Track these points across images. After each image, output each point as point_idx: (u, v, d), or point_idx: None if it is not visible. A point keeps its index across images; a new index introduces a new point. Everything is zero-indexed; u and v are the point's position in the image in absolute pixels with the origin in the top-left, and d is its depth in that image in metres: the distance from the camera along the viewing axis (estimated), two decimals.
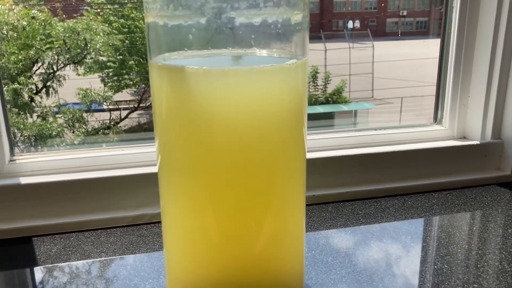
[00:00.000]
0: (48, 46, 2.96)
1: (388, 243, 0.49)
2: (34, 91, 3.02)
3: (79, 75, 3.15)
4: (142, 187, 0.55)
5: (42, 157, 0.57)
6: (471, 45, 0.65)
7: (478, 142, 0.66)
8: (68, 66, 3.09)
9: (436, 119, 0.71)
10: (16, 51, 2.84)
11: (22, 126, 2.78)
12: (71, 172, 0.56)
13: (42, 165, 0.56)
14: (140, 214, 0.54)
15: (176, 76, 0.32)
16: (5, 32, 2.67)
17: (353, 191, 0.60)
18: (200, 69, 0.31)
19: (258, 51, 0.34)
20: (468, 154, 0.66)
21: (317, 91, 4.66)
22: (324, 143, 0.64)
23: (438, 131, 0.69)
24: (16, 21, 2.79)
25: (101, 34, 3.06)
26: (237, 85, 0.31)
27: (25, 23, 2.81)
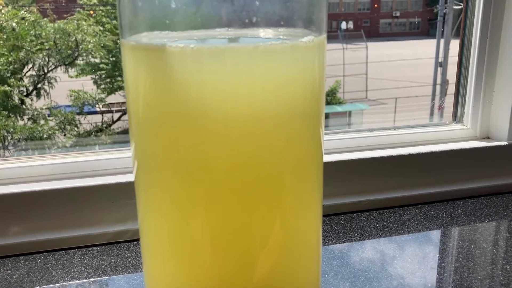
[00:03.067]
0: (38, 47, 2.89)
1: (414, 263, 0.42)
2: (25, 94, 2.95)
3: (71, 77, 3.08)
4: (124, 198, 0.47)
5: (7, 164, 0.49)
6: (497, 34, 0.58)
7: (505, 143, 0.58)
8: (60, 67, 3.03)
9: (456, 117, 0.64)
10: (6, 53, 2.77)
11: (12, 129, 2.71)
12: (41, 180, 0.48)
13: (6, 173, 0.48)
14: (121, 230, 0.47)
15: (156, 59, 0.25)
16: None
17: (368, 200, 0.53)
18: (187, 47, 0.23)
19: (262, 31, 0.27)
20: (494, 156, 0.59)
21: None
22: (332, 145, 0.57)
23: (459, 131, 0.62)
24: (4, 21, 2.71)
25: (92, 34, 2.98)
26: (236, 69, 0.24)
27: (14, 24, 2.74)
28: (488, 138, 0.61)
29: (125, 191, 0.47)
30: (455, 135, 0.61)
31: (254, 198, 0.28)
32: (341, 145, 0.57)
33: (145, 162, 0.28)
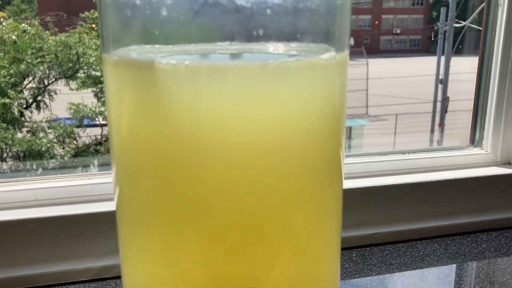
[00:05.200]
0: (39, 60, 2.88)
1: None
2: (25, 106, 2.93)
3: (72, 89, 3.07)
4: (112, 228, 0.42)
5: None
6: None
7: None
8: (60, 80, 3.02)
9: (474, 140, 0.59)
10: (7, 65, 2.76)
11: (10, 142, 2.69)
12: (20, 207, 0.43)
13: None
14: (107, 265, 0.42)
15: (143, 78, 0.20)
16: None
17: (381, 233, 0.48)
18: (181, 65, 0.19)
19: (271, 45, 0.22)
20: None
21: None
22: None
23: (478, 156, 0.57)
24: (5, 34, 2.70)
25: (94, 47, 2.98)
26: (241, 91, 0.19)
27: (14, 37, 2.73)
28: (510, 164, 0.57)
29: (113, 220, 0.42)
30: (474, 160, 0.57)
31: (261, 236, 0.23)
32: (349, 170, 0.52)
33: (128, 192, 0.24)
